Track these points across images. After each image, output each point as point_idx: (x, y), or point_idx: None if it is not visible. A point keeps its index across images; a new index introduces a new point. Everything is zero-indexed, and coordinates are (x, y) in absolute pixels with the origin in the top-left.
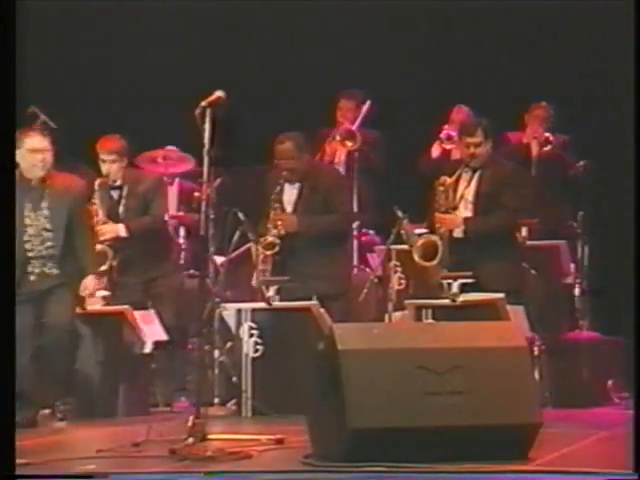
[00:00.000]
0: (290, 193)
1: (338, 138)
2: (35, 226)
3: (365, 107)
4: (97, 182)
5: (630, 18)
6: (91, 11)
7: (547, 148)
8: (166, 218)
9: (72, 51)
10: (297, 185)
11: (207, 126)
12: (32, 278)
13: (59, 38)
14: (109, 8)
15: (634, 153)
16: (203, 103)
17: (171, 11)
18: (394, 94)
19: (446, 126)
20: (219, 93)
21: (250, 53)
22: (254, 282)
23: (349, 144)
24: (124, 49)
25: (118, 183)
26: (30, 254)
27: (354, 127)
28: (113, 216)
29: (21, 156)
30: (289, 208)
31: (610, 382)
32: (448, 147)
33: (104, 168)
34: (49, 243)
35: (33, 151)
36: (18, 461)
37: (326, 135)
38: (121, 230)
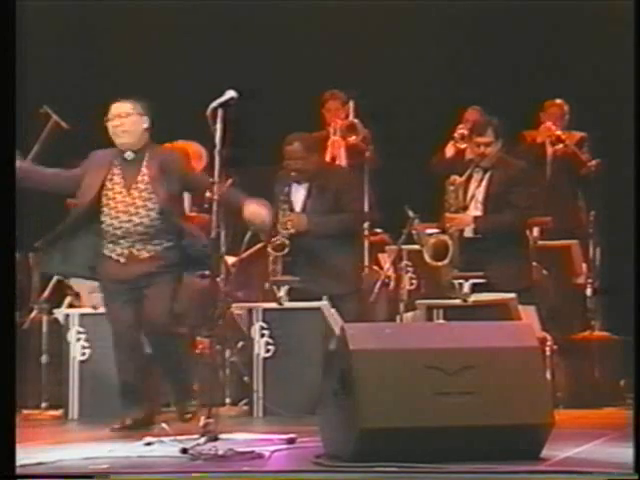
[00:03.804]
0: (299, 193)
1: (338, 134)
2: (124, 202)
3: (351, 106)
4: None
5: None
6: (92, 10)
7: (559, 147)
8: None
9: (73, 51)
10: (306, 185)
11: (219, 126)
12: (121, 260)
13: (59, 38)
14: (111, 8)
15: (634, 153)
16: (214, 103)
17: (171, 11)
18: (407, 93)
19: (460, 125)
20: (231, 93)
21: (255, 53)
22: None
23: (351, 138)
24: (126, 49)
25: None
26: (118, 232)
27: (352, 119)
28: None
29: (109, 125)
30: (298, 208)
31: (622, 382)
32: (462, 147)
33: None
34: (138, 220)
35: (117, 117)
36: (29, 460)
37: (322, 137)
38: None
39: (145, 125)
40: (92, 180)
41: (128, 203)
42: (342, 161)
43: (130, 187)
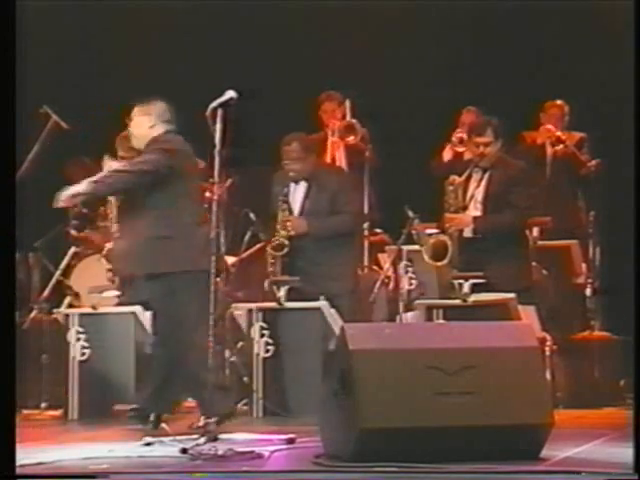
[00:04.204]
0: (297, 194)
1: (337, 134)
2: None
3: (347, 105)
4: (106, 157)
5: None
6: (92, 10)
7: (559, 147)
8: None
9: (73, 51)
10: (304, 185)
11: (218, 126)
12: None
13: (59, 38)
14: (111, 8)
15: (634, 154)
16: (214, 103)
17: (171, 11)
18: (407, 93)
19: (458, 129)
20: (231, 93)
21: (254, 53)
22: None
23: (350, 138)
24: (126, 49)
25: None
26: None
27: (350, 119)
28: None
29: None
30: (296, 208)
31: (622, 382)
32: (460, 150)
33: None
34: None
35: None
36: (29, 460)
37: (316, 140)
38: None
39: (149, 124)
40: None
41: None
42: (342, 162)
43: None
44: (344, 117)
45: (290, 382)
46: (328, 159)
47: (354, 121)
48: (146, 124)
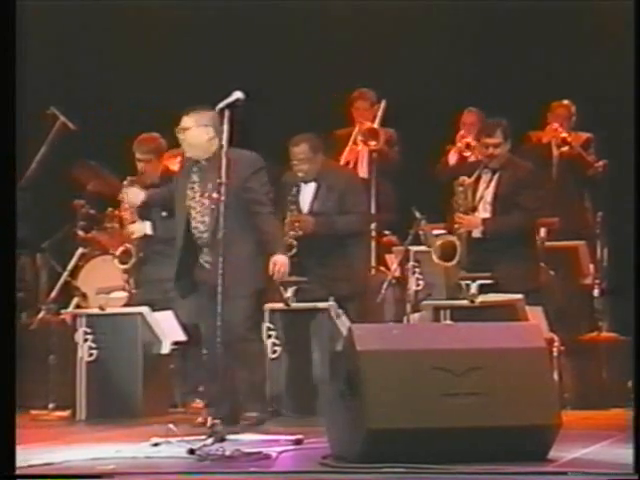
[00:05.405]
0: (306, 194)
1: (360, 138)
2: (199, 211)
3: (382, 106)
4: (126, 181)
5: None
6: (93, 10)
7: (565, 148)
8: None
9: (73, 51)
10: (313, 185)
11: (225, 127)
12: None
13: (60, 38)
14: (112, 7)
15: (634, 155)
16: (221, 104)
17: (173, 11)
18: (413, 94)
19: (462, 132)
20: (238, 94)
21: (259, 54)
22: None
23: (372, 143)
24: (128, 49)
25: (155, 182)
26: (199, 242)
27: (375, 125)
28: (144, 214)
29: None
30: (305, 209)
31: (630, 383)
32: (466, 155)
33: (139, 167)
34: (203, 228)
35: (181, 130)
36: (37, 461)
37: (343, 135)
38: (147, 228)
39: (209, 135)
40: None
41: (204, 213)
42: (363, 164)
43: (203, 195)
44: (374, 118)
45: (297, 383)
46: (348, 159)
47: (377, 127)
48: (204, 136)
